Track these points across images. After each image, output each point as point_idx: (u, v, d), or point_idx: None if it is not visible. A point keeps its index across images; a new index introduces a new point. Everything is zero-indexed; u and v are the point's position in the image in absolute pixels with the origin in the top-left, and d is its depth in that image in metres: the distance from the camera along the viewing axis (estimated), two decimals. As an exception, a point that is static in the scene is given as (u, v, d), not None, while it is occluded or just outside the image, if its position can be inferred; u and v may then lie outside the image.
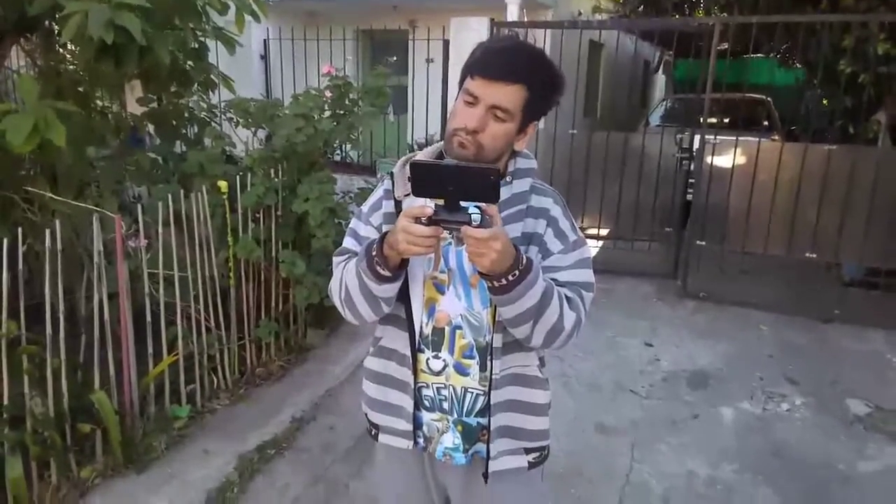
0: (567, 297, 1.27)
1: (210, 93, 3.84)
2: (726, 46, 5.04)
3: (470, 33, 4.98)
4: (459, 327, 1.32)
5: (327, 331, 3.90)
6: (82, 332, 2.80)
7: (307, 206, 3.30)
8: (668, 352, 3.98)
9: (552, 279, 1.27)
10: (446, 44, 5.20)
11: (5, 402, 2.33)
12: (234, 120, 3.82)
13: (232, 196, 3.27)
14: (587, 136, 5.28)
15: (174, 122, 3.78)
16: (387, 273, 1.21)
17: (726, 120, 6.56)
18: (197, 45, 3.34)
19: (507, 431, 1.35)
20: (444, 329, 1.32)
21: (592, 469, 2.81)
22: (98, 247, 2.58)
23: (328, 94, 3.44)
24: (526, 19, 6.03)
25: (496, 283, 1.15)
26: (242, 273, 3.37)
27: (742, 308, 4.62)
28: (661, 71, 14.59)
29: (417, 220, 1.10)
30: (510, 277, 1.14)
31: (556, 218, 1.33)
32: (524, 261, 1.16)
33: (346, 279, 1.31)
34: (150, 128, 3.74)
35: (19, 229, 2.37)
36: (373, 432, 1.46)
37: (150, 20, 2.69)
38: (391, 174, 1.36)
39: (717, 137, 4.69)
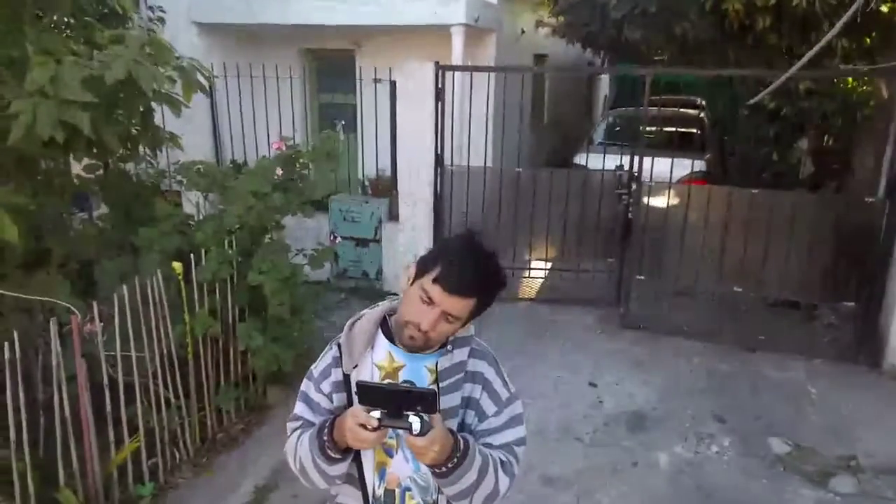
0: (501, 461, 1.45)
1: (158, 151, 3.86)
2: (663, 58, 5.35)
3: (417, 75, 5.10)
4: (409, 489, 1.48)
5: (286, 388, 4.01)
6: (40, 418, 2.86)
7: (261, 278, 3.40)
8: (609, 391, 4.24)
9: (487, 443, 1.45)
10: (393, 85, 5.31)
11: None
12: (184, 183, 3.87)
13: (186, 268, 3.34)
14: (532, 172, 5.52)
15: (122, 188, 3.81)
16: (337, 455, 1.37)
17: (665, 129, 6.88)
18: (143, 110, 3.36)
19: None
20: (394, 491, 1.49)
21: (540, 525, 3.04)
22: (56, 347, 2.63)
23: (279, 171, 3.53)
24: (470, 47, 6.16)
25: (437, 471, 1.33)
26: (200, 343, 3.44)
27: (676, 338, 4.93)
28: (608, 79, 14.96)
29: (363, 426, 1.26)
30: (449, 465, 1.32)
31: (491, 380, 1.50)
32: (461, 447, 1.33)
33: (300, 453, 1.46)
34: (100, 195, 3.76)
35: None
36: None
37: (96, 110, 2.74)
38: (339, 344, 1.51)
39: (653, 180, 4.96)
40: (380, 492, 1.49)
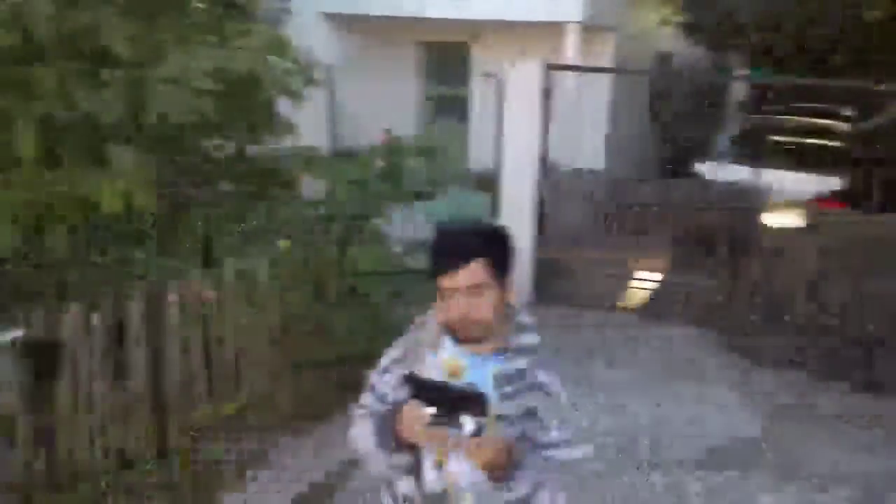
0: (558, 477, 1.44)
1: (277, 139, 4.11)
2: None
3: (526, 72, 5.07)
4: (465, 490, 1.50)
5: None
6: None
7: (358, 264, 3.54)
8: (705, 418, 4.00)
9: (549, 456, 1.44)
10: (502, 81, 5.30)
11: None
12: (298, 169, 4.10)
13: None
14: (642, 181, 5.33)
15: (244, 171, 4.10)
16: (395, 447, 1.40)
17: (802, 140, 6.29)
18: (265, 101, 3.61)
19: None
20: (450, 490, 1.51)
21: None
22: (175, 299, 2.89)
23: (380, 162, 3.66)
24: (587, 44, 6.02)
25: (490, 475, 1.33)
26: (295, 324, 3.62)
27: (783, 370, 4.56)
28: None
29: (417, 420, 1.29)
30: (502, 473, 1.32)
31: (555, 394, 1.47)
32: (517, 455, 1.33)
33: (361, 441, 1.51)
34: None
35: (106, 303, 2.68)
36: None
37: (222, 98, 2.98)
38: (406, 340, 1.55)
39: (782, 197, 4.59)
40: (436, 489, 1.52)
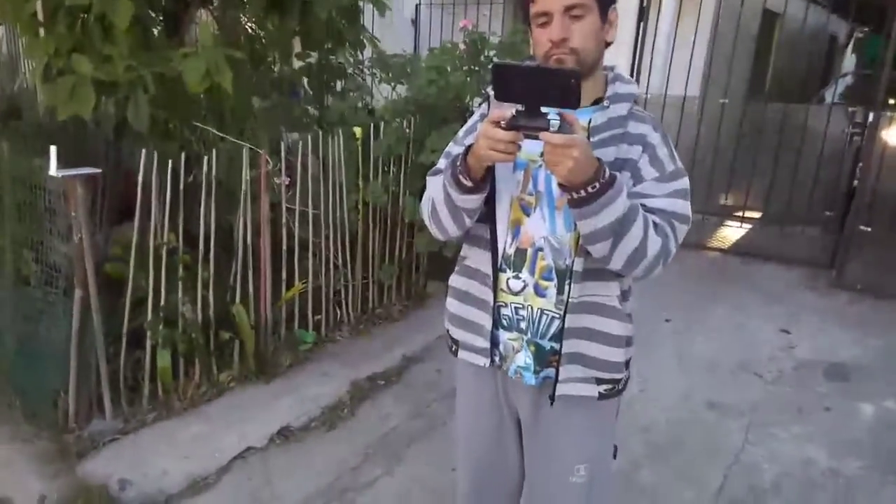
0: (654, 224, 1.23)
1: (359, 52, 4.08)
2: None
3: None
4: (541, 249, 1.33)
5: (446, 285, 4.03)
6: (235, 256, 3.16)
7: (434, 157, 3.42)
8: (806, 340, 3.64)
9: (642, 204, 1.24)
10: None
11: (161, 304, 2.71)
12: (377, 75, 4.04)
13: (366, 145, 3.48)
14: (743, 108, 4.90)
15: (325, 77, 4.08)
16: (468, 183, 1.24)
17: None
18: (351, 6, 3.57)
19: (578, 358, 1.35)
20: (526, 250, 1.34)
21: (697, 444, 2.68)
22: (245, 176, 2.88)
23: (462, 47, 3.51)
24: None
25: (574, 195, 1.15)
26: (370, 218, 3.58)
27: (907, 306, 4.08)
28: (850, 48, 12.93)
29: (497, 124, 1.13)
30: (589, 189, 1.13)
31: (654, 145, 1.28)
32: (606, 174, 1.14)
33: (433, 193, 1.37)
34: (305, 81, 4.06)
35: (182, 155, 2.71)
36: (453, 348, 1.52)
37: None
38: (488, 98, 1.39)
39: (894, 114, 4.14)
40: (510, 251, 1.36)
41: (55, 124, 2.94)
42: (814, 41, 10.70)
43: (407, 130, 3.55)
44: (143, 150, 2.57)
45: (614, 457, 1.48)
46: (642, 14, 4.73)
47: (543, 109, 1.10)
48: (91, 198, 2.54)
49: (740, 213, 5.15)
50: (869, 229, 4.33)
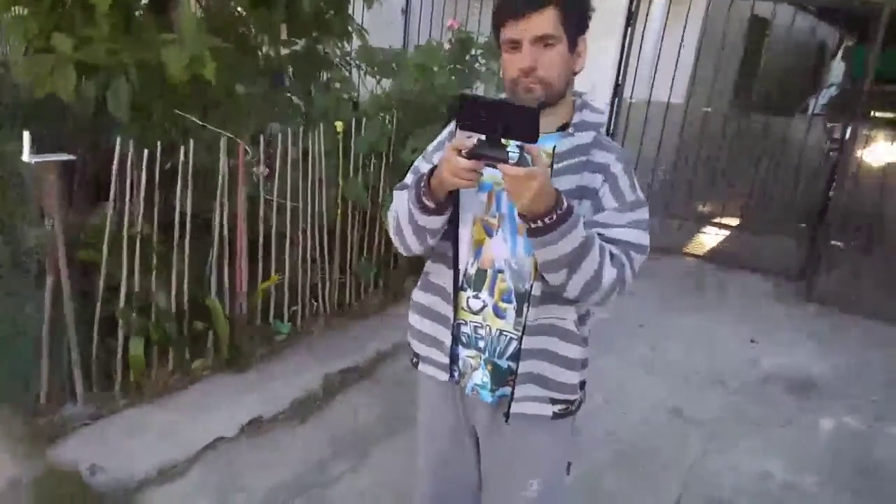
0: (611, 254, 1.26)
1: (346, 43, 4.05)
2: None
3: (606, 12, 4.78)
4: (501, 271, 1.36)
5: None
6: (212, 245, 3.16)
7: (414, 156, 3.42)
8: (772, 352, 3.72)
9: (600, 234, 1.27)
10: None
11: (135, 291, 2.70)
12: (363, 68, 4.02)
13: (348, 140, 3.47)
14: (725, 117, 4.95)
15: (310, 66, 4.05)
16: (431, 204, 1.26)
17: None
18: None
19: (534, 378, 1.38)
20: (486, 271, 1.37)
21: (659, 452, 2.75)
22: (223, 168, 2.87)
23: (447, 46, 3.51)
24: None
25: (531, 225, 1.18)
26: (349, 213, 3.59)
27: (872, 321, 4.18)
28: (839, 57, 13.06)
29: (460, 152, 1.15)
30: (546, 220, 1.16)
31: (616, 174, 1.31)
32: (564, 205, 1.16)
33: (398, 208, 1.39)
34: (290, 70, 4.03)
35: (159, 143, 2.69)
36: (414, 360, 1.56)
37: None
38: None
39: (873, 130, 4.21)
40: (472, 270, 1.39)
41: (33, 103, 2.91)
42: (803, 49, 10.82)
43: (389, 126, 3.55)
44: (119, 138, 2.55)
45: (567, 472, 1.53)
46: (630, 19, 4.74)
47: (504, 141, 1.13)
48: (64, 183, 2.52)
49: (718, 220, 5.23)
50: (841, 244, 4.42)
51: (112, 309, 2.67)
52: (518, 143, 1.13)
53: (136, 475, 2.33)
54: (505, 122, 1.11)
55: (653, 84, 5.03)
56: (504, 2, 1.26)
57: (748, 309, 4.32)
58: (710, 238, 5.34)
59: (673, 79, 4.92)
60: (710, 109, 4.87)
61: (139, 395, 2.72)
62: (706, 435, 2.89)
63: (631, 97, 4.98)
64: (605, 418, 2.91)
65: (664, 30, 4.92)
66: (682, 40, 4.81)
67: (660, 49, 4.94)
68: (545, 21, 1.22)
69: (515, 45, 1.25)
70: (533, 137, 1.10)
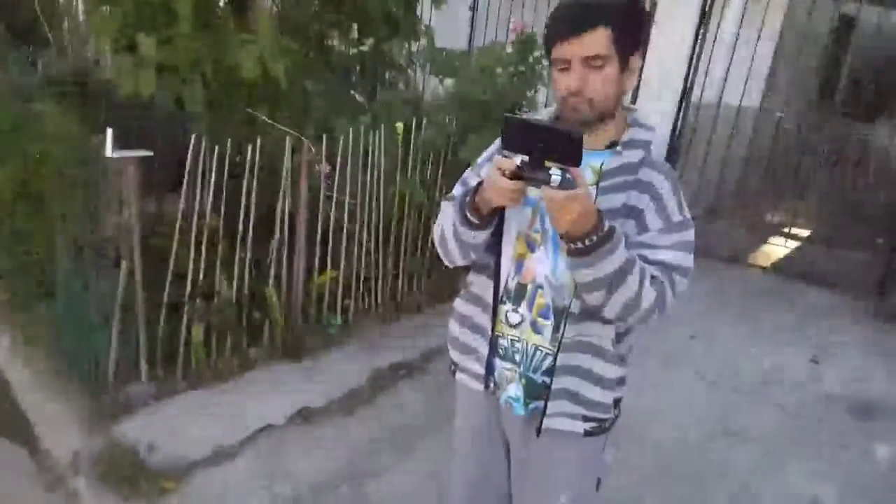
0: (652, 276, 1.26)
1: (414, 42, 4.11)
2: None
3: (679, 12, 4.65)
4: (541, 286, 1.38)
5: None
6: (273, 239, 3.30)
7: (473, 157, 3.45)
8: (836, 373, 3.56)
9: (642, 255, 1.27)
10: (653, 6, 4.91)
11: (200, 280, 2.86)
12: (427, 68, 4.07)
13: (408, 138, 3.54)
14: (799, 123, 4.73)
15: (376, 65, 4.14)
16: (475, 220, 1.30)
17: None
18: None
19: (567, 395, 1.39)
20: (527, 285, 1.39)
21: (704, 468, 2.70)
22: (287, 164, 2.99)
23: (509, 49, 3.51)
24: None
25: (572, 246, 1.20)
26: (406, 210, 3.65)
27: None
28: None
29: (504, 172, 1.18)
30: (587, 242, 1.18)
31: (662, 195, 1.31)
32: (605, 228, 1.18)
33: (443, 220, 1.43)
34: (357, 68, 4.13)
35: (228, 140, 2.83)
36: (452, 368, 1.60)
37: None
38: None
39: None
40: (512, 284, 1.41)
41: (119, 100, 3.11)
42: (894, 51, 10.09)
43: (450, 126, 3.59)
44: (193, 136, 2.70)
45: (597, 489, 1.54)
46: (703, 18, 4.58)
47: (547, 164, 1.15)
48: (141, 176, 2.69)
49: (788, 230, 5.02)
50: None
51: (179, 295, 2.84)
52: (560, 165, 1.15)
53: (188, 455, 2.47)
54: (548, 146, 1.13)
55: (724, 87, 4.86)
56: (554, 21, 1.27)
57: (813, 323, 4.14)
58: (778, 249, 5.13)
59: (746, 80, 4.73)
60: (782, 115, 4.66)
61: (198, 378, 2.88)
62: (755, 454, 2.81)
63: (700, 98, 4.82)
64: (650, 430, 2.88)
65: (739, 30, 4.72)
66: (757, 40, 4.62)
67: (733, 51, 4.76)
68: (596, 41, 1.22)
69: (565, 63, 1.25)
70: (576, 163, 1.12)
